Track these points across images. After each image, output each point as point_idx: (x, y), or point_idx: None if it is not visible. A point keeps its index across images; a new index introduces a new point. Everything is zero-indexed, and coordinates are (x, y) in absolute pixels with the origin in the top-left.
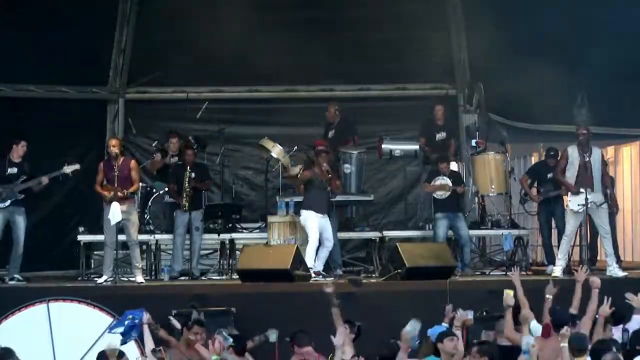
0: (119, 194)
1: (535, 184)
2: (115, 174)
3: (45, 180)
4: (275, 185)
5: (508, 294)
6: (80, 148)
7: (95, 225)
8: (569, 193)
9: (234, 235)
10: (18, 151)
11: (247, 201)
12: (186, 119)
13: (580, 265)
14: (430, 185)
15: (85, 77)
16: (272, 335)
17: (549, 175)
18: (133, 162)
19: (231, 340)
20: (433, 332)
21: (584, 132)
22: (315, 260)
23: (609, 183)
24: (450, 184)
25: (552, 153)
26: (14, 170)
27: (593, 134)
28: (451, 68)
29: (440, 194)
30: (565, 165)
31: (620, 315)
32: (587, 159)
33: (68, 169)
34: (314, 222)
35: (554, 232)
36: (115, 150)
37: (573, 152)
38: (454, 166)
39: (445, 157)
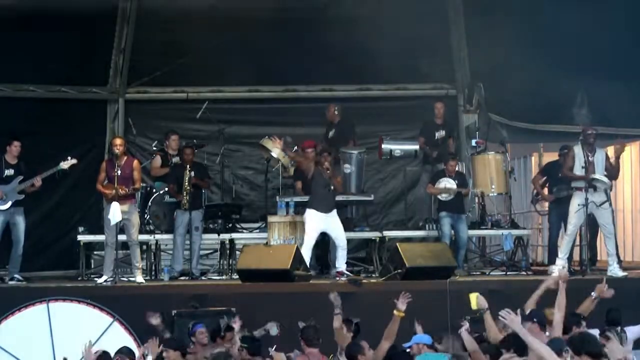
0: (120, 191)
1: (548, 184)
2: (117, 173)
3: (38, 181)
4: (275, 185)
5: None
6: (80, 148)
7: (95, 225)
8: (574, 191)
9: (234, 235)
10: (12, 151)
11: (247, 201)
12: (186, 119)
13: (564, 267)
14: (434, 187)
15: (85, 77)
16: (273, 329)
17: (561, 175)
18: (135, 162)
19: None
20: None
21: (591, 132)
22: (335, 263)
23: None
24: (455, 187)
25: (566, 151)
26: (11, 171)
27: None
28: (451, 68)
29: (444, 197)
30: (573, 164)
31: (616, 317)
32: (591, 159)
33: (65, 164)
34: (313, 223)
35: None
36: (119, 149)
37: (579, 152)
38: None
39: (452, 155)
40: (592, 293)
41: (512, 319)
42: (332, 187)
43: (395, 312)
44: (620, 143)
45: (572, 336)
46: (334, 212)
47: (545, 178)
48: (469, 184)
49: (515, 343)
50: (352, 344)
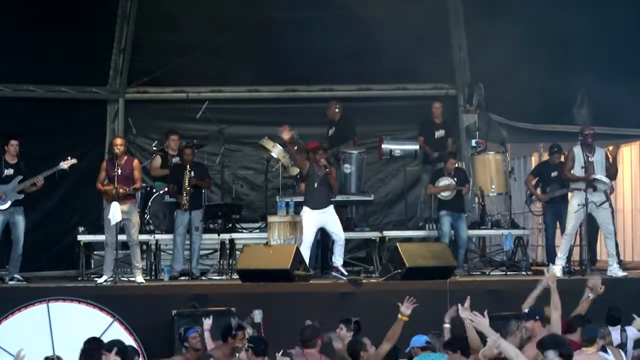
0: (121, 190)
1: (540, 184)
2: (117, 173)
3: (40, 180)
4: (275, 185)
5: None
6: (80, 148)
7: (95, 225)
8: (574, 191)
9: (234, 235)
10: (10, 151)
11: (247, 201)
12: (186, 119)
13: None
14: (434, 187)
15: (85, 77)
16: (257, 316)
17: (553, 174)
18: (136, 162)
19: None
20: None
21: (590, 132)
22: (333, 258)
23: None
24: (455, 184)
25: (555, 149)
26: (11, 171)
27: None
28: (451, 68)
29: (445, 195)
30: (572, 165)
31: (617, 315)
32: (590, 160)
33: (65, 164)
34: (308, 220)
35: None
36: (119, 149)
37: (578, 152)
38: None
39: (451, 154)
40: (587, 293)
41: (479, 321)
42: (316, 183)
43: (399, 315)
44: (614, 145)
45: (543, 337)
46: (330, 208)
47: (537, 179)
48: (470, 181)
49: (459, 345)
50: (354, 340)
